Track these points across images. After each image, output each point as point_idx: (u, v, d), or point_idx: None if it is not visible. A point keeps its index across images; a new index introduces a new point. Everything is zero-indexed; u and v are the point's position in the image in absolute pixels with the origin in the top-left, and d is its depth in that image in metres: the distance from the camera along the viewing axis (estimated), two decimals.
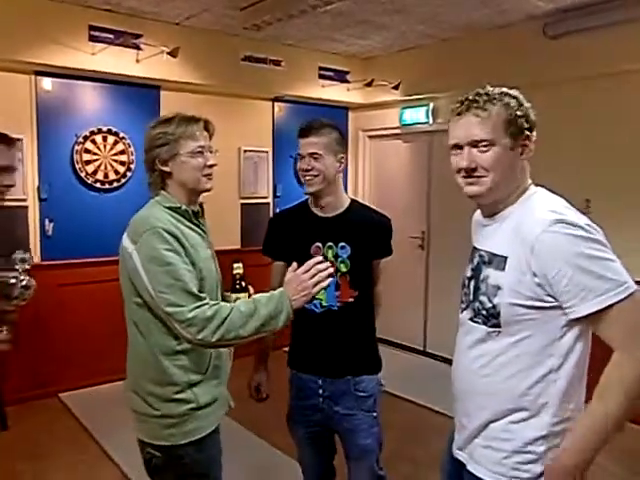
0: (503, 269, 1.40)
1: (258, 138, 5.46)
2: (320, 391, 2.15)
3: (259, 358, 2.29)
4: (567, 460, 1.34)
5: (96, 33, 4.12)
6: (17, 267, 2.12)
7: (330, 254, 2.11)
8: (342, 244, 2.11)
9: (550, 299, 1.35)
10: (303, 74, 5.33)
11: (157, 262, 1.61)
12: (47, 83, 4.28)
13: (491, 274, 1.43)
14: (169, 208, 1.73)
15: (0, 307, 2.12)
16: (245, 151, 5.35)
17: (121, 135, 4.58)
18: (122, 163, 4.60)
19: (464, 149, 1.44)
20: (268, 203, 5.59)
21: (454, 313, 1.68)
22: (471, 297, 1.51)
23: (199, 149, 1.76)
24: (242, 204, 5.41)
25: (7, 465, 2.93)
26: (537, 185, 1.52)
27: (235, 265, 1.91)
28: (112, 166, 4.56)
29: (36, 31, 3.92)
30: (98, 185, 4.51)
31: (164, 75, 4.49)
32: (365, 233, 2.13)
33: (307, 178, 2.09)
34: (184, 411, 1.71)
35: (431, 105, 5.24)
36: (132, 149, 4.62)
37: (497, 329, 1.42)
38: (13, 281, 2.10)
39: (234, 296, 1.85)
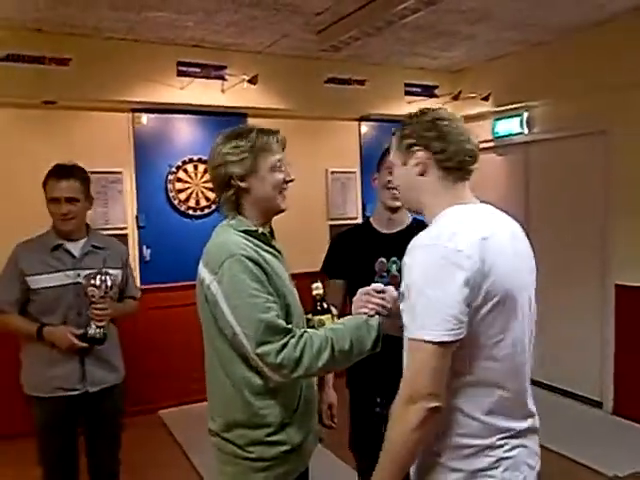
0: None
1: (345, 158, 5.45)
2: (378, 409, 2.12)
3: (324, 378, 2.26)
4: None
5: (183, 68, 4.35)
6: (100, 270, 2.33)
7: (394, 268, 2.18)
8: None
9: None
10: (388, 92, 5.25)
11: (241, 294, 1.48)
12: (143, 119, 4.57)
13: None
14: (245, 232, 1.61)
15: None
16: (332, 172, 5.35)
17: None
18: (212, 190, 4.76)
19: None
20: (358, 224, 5.52)
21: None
22: None
23: (278, 163, 1.66)
24: (330, 225, 5.38)
25: None
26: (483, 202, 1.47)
27: (314, 285, 1.70)
28: (203, 193, 4.76)
29: (131, 72, 4.22)
30: (190, 212, 4.71)
31: (249, 103, 4.64)
32: None
33: (394, 192, 2.13)
34: (278, 454, 1.58)
35: (525, 114, 4.92)
36: None
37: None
38: (98, 282, 2.31)
39: (316, 319, 1.68)
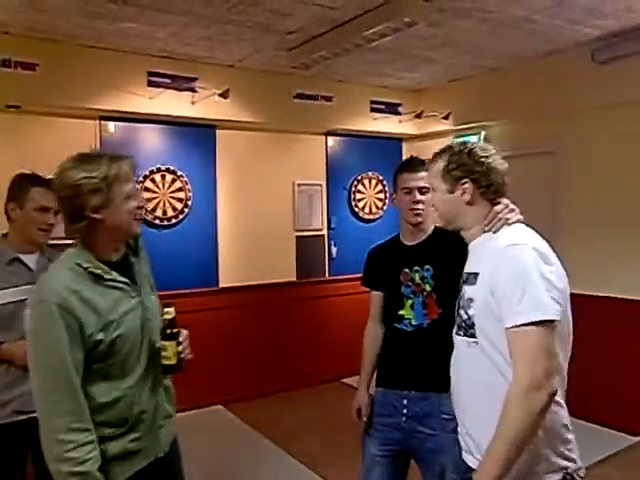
0: (475, 283, 1.58)
1: (312, 172, 5.57)
2: (405, 410, 2.23)
3: (363, 378, 2.41)
4: (489, 470, 1.41)
5: (154, 78, 4.38)
6: None
7: (417, 277, 2.27)
8: (427, 266, 2.28)
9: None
10: (354, 108, 5.42)
11: (39, 355, 1.53)
12: (111, 127, 4.56)
13: (467, 289, 1.63)
14: (78, 265, 1.57)
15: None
16: (299, 185, 5.46)
17: (179, 173, 4.79)
18: (180, 200, 4.80)
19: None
20: (323, 235, 5.65)
21: None
22: (456, 313, 1.69)
23: (132, 191, 1.64)
24: (297, 237, 5.48)
25: None
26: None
27: (165, 310, 1.71)
28: (170, 203, 4.77)
29: (101, 80, 4.21)
30: (157, 222, 4.72)
31: (219, 115, 4.69)
32: (445, 252, 2.26)
33: (417, 211, 2.28)
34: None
35: (483, 133, 5.19)
36: (189, 186, 4.82)
37: (474, 339, 1.57)
38: None
39: (161, 343, 1.70)
